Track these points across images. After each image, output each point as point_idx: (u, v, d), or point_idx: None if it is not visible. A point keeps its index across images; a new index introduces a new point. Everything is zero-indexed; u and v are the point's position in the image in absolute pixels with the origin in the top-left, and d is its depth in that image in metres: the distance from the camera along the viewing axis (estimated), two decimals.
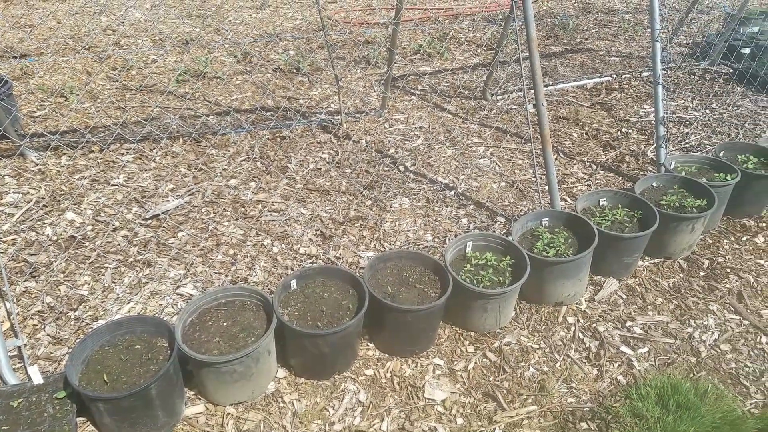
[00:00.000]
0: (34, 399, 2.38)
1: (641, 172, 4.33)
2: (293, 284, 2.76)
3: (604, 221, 3.35)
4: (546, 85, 5.69)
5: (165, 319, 2.77)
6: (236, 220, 3.61)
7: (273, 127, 4.64)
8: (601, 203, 3.54)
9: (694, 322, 3.13)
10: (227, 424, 2.51)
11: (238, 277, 3.19)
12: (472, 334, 3.00)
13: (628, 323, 3.11)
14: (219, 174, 4.04)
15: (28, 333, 2.80)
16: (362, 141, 4.59)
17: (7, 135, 3.92)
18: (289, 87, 5.43)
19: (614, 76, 6.01)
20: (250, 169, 4.13)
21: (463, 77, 5.94)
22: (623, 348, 2.97)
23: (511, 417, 2.61)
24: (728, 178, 3.68)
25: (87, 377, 2.36)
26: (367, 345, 2.91)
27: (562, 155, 4.57)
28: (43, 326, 2.84)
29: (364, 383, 2.73)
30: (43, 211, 3.55)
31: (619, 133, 4.92)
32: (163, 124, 4.56)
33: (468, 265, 3.04)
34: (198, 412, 2.56)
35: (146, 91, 5.18)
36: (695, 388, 2.72)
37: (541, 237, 3.22)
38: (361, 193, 3.93)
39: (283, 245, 3.45)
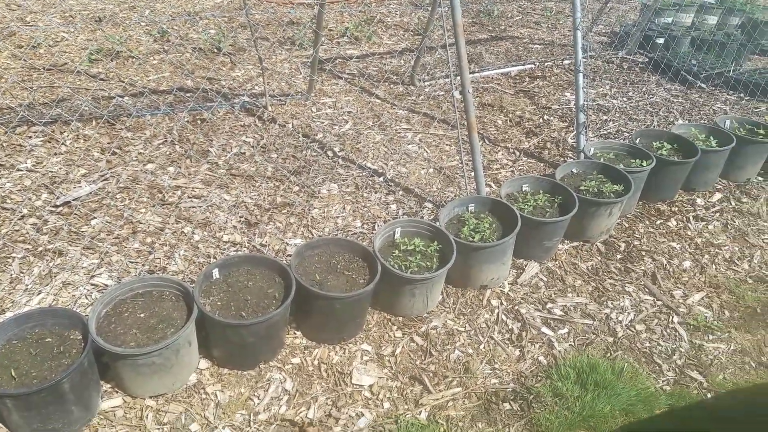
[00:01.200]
0: None
1: (562, 159, 4.47)
2: (215, 273, 2.67)
3: (526, 206, 3.44)
4: (471, 72, 5.77)
5: (78, 311, 2.61)
6: (153, 206, 3.45)
7: (192, 108, 4.46)
8: (523, 189, 3.63)
9: (611, 304, 3.27)
10: (146, 417, 2.41)
11: (156, 266, 3.05)
12: (401, 319, 3.02)
13: (549, 305, 3.22)
14: (134, 158, 3.83)
15: None
16: (288, 125, 4.49)
17: None
18: (209, 67, 5.23)
19: (537, 63, 6.17)
20: (168, 153, 3.94)
21: (391, 62, 5.92)
22: (544, 329, 3.07)
23: (437, 399, 2.64)
24: (644, 164, 3.86)
25: None
26: (294, 333, 2.87)
27: (487, 142, 4.65)
28: None
29: (290, 372, 2.69)
30: None
31: (541, 120, 5.06)
32: (74, 106, 4.28)
33: (396, 251, 3.04)
34: (115, 406, 2.44)
35: (55, 70, 4.85)
36: (612, 367, 2.85)
37: (467, 222, 3.27)
38: (288, 179, 3.85)
39: (204, 233, 3.32)
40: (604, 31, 7.33)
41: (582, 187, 3.65)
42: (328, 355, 2.79)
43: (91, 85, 4.68)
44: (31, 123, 3.96)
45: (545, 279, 3.39)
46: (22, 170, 3.56)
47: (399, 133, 4.61)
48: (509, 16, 7.74)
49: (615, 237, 3.76)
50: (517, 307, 3.17)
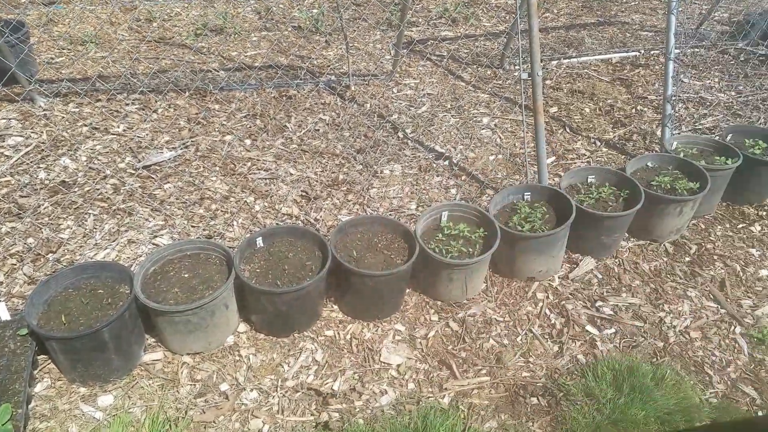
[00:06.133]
0: None
1: (646, 152, 4.16)
2: (259, 241, 2.81)
3: (587, 199, 3.26)
4: (568, 57, 5.50)
5: (135, 267, 2.83)
6: (224, 176, 3.67)
7: (280, 85, 4.65)
8: (588, 180, 3.44)
9: (668, 307, 3.04)
10: (182, 373, 2.60)
11: (215, 232, 3.26)
12: (439, 303, 3.01)
13: (599, 303, 3.05)
14: (216, 129, 4.08)
15: (6, 272, 2.94)
16: (367, 105, 4.55)
17: (17, 80, 4.02)
18: (305, 46, 5.40)
19: (642, 51, 5.73)
20: (248, 126, 4.16)
21: (484, 44, 5.78)
22: (589, 327, 2.92)
23: (462, 386, 2.62)
24: (729, 162, 3.50)
25: (47, 317, 2.46)
26: (332, 307, 2.95)
27: (568, 130, 4.44)
28: (21, 266, 2.97)
29: (322, 343, 2.78)
30: (41, 155, 3.66)
31: (633, 110, 4.72)
32: (172, 77, 4.62)
33: (440, 235, 3.02)
34: (156, 359, 2.65)
35: (163, 43, 5.25)
36: (654, 373, 2.67)
37: (519, 211, 3.16)
38: (353, 158, 3.92)
39: (265, 204, 3.49)
40: (727, 19, 6.64)
41: (653, 183, 3.38)
42: (361, 331, 2.85)
43: (191, 59, 5.02)
44: (132, 90, 4.34)
45: (600, 276, 3.21)
46: (114, 134, 3.92)
47: (475, 116, 4.52)
48: (623, 0, 7.23)
49: (687, 238, 3.47)
50: (563, 303, 3.04)
